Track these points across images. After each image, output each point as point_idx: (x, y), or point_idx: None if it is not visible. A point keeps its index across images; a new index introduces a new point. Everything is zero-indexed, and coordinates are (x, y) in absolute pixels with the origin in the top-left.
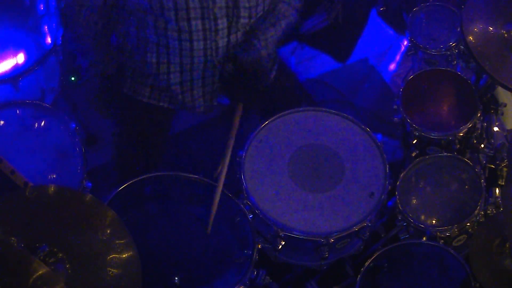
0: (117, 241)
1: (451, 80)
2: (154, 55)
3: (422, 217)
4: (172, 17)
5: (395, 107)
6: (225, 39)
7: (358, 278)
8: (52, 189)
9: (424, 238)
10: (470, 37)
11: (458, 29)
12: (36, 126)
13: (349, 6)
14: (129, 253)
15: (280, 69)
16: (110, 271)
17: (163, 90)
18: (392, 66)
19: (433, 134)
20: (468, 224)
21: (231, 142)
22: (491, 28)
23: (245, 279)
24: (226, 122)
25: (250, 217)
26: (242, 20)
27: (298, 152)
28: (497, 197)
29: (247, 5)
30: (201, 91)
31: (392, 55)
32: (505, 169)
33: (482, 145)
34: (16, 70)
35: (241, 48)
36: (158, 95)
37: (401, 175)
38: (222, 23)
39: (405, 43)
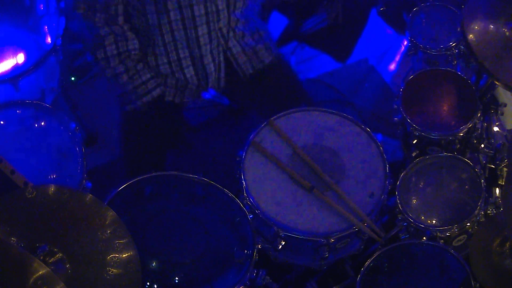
0: (117, 241)
1: (451, 80)
2: (158, 35)
3: (422, 217)
4: None
5: (395, 107)
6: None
7: (358, 278)
8: (52, 189)
9: (424, 238)
10: (471, 36)
11: (458, 29)
12: (36, 126)
13: (349, 6)
14: (129, 253)
15: (280, 69)
16: (110, 270)
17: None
18: (392, 66)
19: (433, 134)
20: (468, 224)
21: None
22: (491, 27)
23: (245, 279)
24: (226, 122)
25: (250, 217)
26: None
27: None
28: (497, 197)
29: None
30: (213, 65)
31: (392, 55)
32: (505, 169)
33: (482, 145)
34: (16, 70)
35: None
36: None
37: (401, 175)
38: None
39: (405, 43)
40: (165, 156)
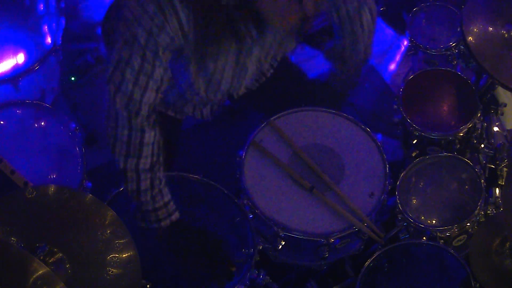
0: (117, 241)
1: (451, 80)
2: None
3: (422, 217)
4: None
5: (395, 107)
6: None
7: (358, 278)
8: (52, 189)
9: (424, 238)
10: (470, 38)
11: (458, 29)
12: (36, 126)
13: None
14: (129, 253)
15: (281, 69)
16: (110, 270)
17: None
18: (392, 66)
19: (433, 134)
20: (468, 224)
21: None
22: (491, 29)
23: (245, 279)
24: (226, 122)
25: (250, 217)
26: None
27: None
28: (497, 197)
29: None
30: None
31: (392, 55)
32: (505, 169)
33: (482, 145)
34: (16, 70)
35: None
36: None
37: (401, 175)
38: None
39: (405, 43)
40: (165, 156)
